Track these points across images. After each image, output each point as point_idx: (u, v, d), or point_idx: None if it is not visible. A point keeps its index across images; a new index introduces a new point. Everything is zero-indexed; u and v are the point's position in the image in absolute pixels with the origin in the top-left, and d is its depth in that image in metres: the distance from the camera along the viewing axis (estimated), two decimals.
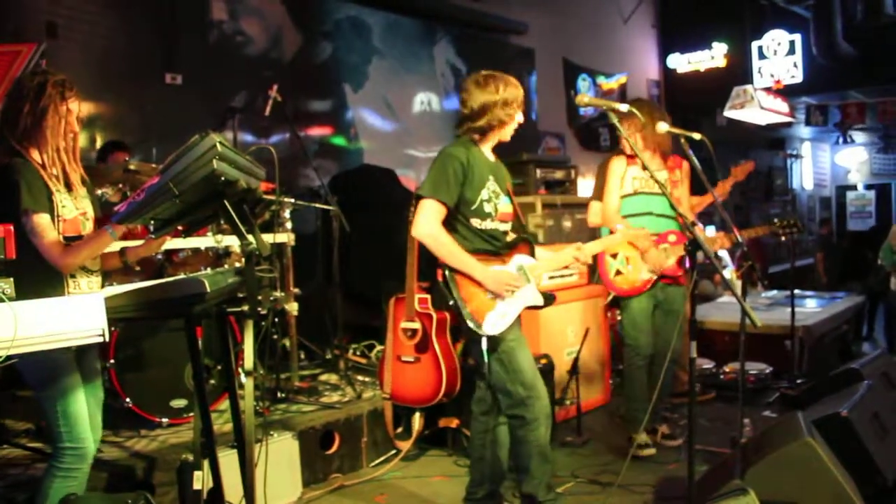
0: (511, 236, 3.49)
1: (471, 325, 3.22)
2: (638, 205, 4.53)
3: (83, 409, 2.70)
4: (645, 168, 3.35)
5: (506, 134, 3.42)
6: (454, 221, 3.31)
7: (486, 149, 3.45)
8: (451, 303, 3.26)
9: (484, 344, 3.27)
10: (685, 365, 5.11)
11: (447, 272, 3.27)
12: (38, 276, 2.60)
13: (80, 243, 2.69)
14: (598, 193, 4.81)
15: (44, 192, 2.64)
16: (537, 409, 3.28)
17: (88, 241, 2.71)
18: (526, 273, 3.41)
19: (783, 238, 4.86)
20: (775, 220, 4.91)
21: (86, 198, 2.88)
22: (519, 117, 3.40)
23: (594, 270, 5.13)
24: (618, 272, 4.54)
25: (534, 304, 3.43)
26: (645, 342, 4.53)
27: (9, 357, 1.90)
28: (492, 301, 3.26)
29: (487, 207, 3.35)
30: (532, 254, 3.48)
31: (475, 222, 3.33)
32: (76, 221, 2.75)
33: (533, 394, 3.28)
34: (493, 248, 3.38)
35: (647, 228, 4.31)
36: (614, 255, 4.54)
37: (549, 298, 3.51)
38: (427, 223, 3.24)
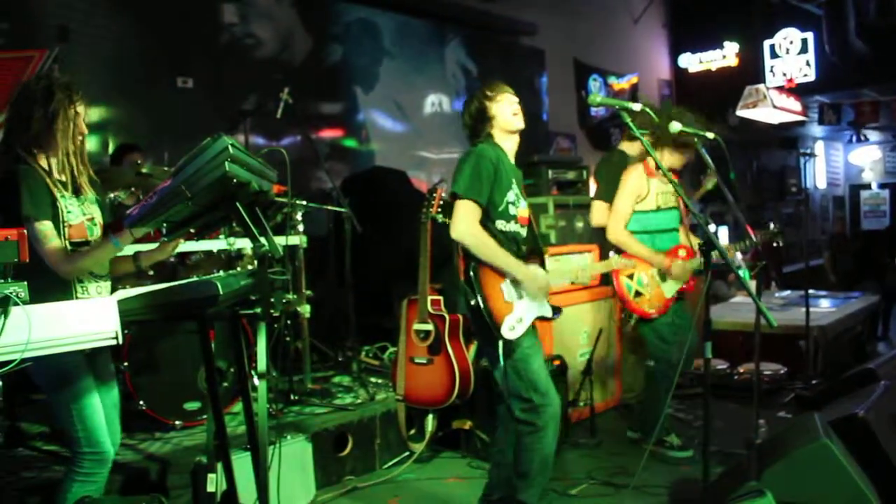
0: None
1: (491, 327, 3.21)
2: (667, 221, 4.45)
3: (99, 412, 2.70)
4: (658, 167, 3.33)
5: (508, 122, 3.38)
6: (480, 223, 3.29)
7: (510, 151, 3.44)
8: (472, 302, 3.23)
9: (500, 348, 3.25)
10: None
11: (472, 271, 3.24)
12: (46, 280, 2.58)
13: (82, 251, 2.69)
14: (603, 194, 4.78)
15: (46, 199, 2.63)
16: (548, 415, 3.26)
17: (91, 249, 2.70)
18: None
19: (775, 245, 4.73)
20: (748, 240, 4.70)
21: (94, 202, 2.87)
22: (505, 104, 3.37)
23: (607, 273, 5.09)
24: (637, 293, 4.44)
25: (542, 315, 3.41)
26: (677, 355, 4.39)
27: (23, 360, 1.90)
28: (509, 305, 3.24)
29: (512, 210, 3.34)
30: (542, 265, 3.47)
31: (500, 224, 3.31)
32: (82, 227, 2.74)
33: (546, 401, 3.25)
34: (515, 251, 3.35)
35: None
36: (630, 276, 4.43)
37: (557, 311, 3.50)
38: (466, 224, 3.22)
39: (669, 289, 4.41)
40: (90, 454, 2.66)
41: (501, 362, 3.25)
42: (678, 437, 4.59)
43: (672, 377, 4.43)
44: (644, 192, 4.42)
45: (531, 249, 3.48)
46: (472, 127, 3.42)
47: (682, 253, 4.41)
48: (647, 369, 4.71)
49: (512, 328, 3.22)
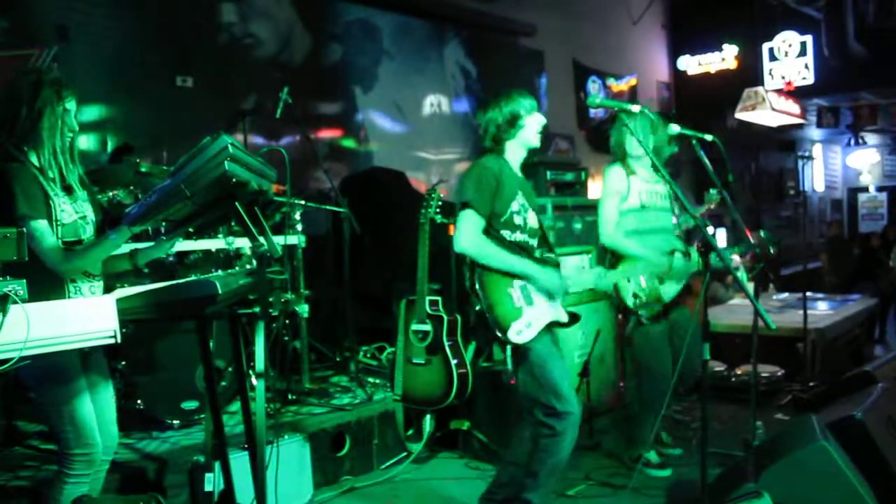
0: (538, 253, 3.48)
1: (496, 332, 3.20)
2: (649, 219, 4.36)
3: (90, 413, 2.67)
4: (658, 170, 3.32)
5: (532, 138, 3.41)
6: (485, 234, 3.29)
7: (515, 164, 3.46)
8: (477, 308, 3.23)
9: (509, 352, 3.23)
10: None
11: (477, 278, 3.24)
12: (39, 281, 2.48)
13: (80, 249, 2.66)
14: None
15: (40, 197, 2.59)
16: (568, 422, 3.23)
17: (90, 246, 2.67)
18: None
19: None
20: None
21: (86, 201, 2.83)
22: (537, 121, 3.39)
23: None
24: (635, 295, 4.32)
25: (558, 320, 3.37)
26: (668, 367, 4.32)
27: (22, 359, 1.90)
28: (518, 310, 3.22)
29: (517, 220, 3.33)
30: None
31: (505, 234, 3.30)
32: (75, 226, 2.70)
33: (567, 407, 3.22)
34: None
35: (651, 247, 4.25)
36: (627, 279, 4.30)
37: (574, 318, 3.47)
38: (468, 236, 3.23)
39: (668, 291, 4.33)
40: (79, 455, 2.64)
41: (510, 367, 3.23)
42: (659, 454, 4.52)
43: (663, 392, 4.36)
44: (624, 189, 4.33)
45: (546, 260, 3.46)
46: (499, 127, 3.38)
47: (677, 255, 4.36)
48: (638, 380, 4.66)
49: (519, 332, 3.19)
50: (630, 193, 4.34)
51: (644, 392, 4.45)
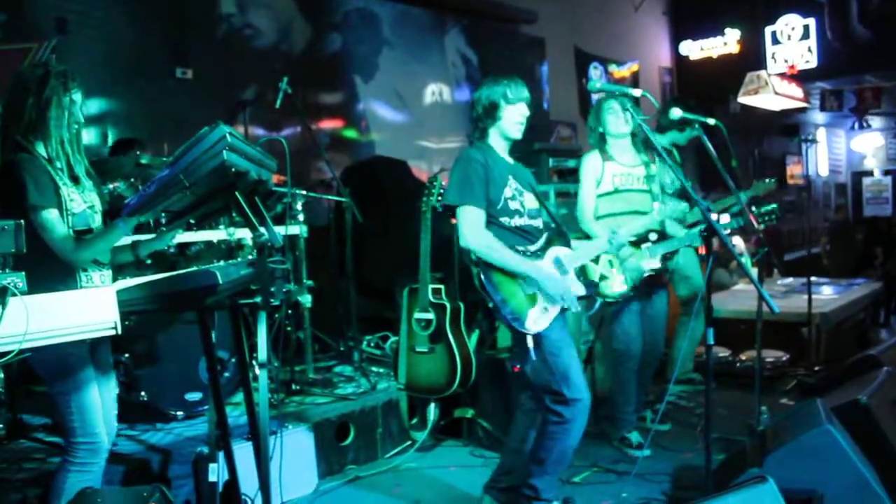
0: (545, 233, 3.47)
1: (514, 324, 3.19)
2: (620, 203, 4.35)
3: (97, 403, 2.69)
4: (659, 154, 3.29)
5: (510, 129, 3.39)
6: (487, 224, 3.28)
7: (502, 150, 3.44)
8: (490, 305, 3.23)
9: (530, 342, 3.20)
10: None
11: (482, 274, 3.22)
12: (50, 271, 2.58)
13: (92, 236, 2.68)
14: None
15: (51, 187, 2.61)
16: (577, 410, 3.23)
17: (100, 235, 2.69)
18: (563, 264, 3.37)
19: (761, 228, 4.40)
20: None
21: (93, 191, 2.85)
22: (516, 112, 3.36)
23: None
24: (602, 277, 4.28)
25: (577, 294, 3.35)
26: (637, 348, 4.40)
27: (22, 351, 1.89)
28: (532, 297, 3.21)
29: (513, 205, 3.32)
30: (568, 245, 3.44)
31: (505, 220, 3.30)
32: (84, 215, 2.72)
33: (577, 395, 3.22)
34: (527, 245, 3.34)
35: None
36: (595, 259, 4.21)
37: (591, 287, 3.45)
38: (473, 232, 3.21)
39: (630, 276, 4.23)
40: (84, 444, 2.66)
41: (534, 357, 3.21)
42: (643, 435, 4.51)
43: (631, 369, 4.43)
44: (598, 173, 4.36)
45: (554, 235, 3.46)
46: (479, 116, 3.41)
47: (652, 237, 4.21)
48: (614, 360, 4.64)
49: (536, 321, 3.19)
50: (604, 178, 4.37)
51: (615, 371, 4.51)
